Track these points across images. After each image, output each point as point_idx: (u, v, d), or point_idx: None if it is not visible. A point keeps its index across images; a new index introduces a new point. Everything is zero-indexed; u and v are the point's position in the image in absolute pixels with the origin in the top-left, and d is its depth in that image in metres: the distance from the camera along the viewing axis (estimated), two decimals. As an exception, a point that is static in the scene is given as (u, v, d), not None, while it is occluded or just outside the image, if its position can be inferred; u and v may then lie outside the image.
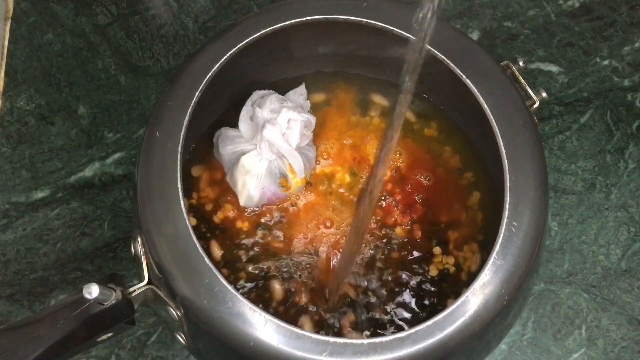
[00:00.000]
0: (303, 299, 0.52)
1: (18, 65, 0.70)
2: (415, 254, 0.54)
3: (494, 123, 0.48)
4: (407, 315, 0.52)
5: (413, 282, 0.53)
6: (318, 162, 0.57)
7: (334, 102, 0.59)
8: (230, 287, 0.43)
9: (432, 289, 0.53)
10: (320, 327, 0.52)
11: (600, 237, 0.65)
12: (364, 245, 0.54)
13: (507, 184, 0.46)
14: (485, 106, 0.49)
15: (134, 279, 0.47)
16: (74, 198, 0.65)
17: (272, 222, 0.55)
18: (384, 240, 0.54)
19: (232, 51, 0.49)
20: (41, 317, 0.42)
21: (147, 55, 0.71)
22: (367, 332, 0.51)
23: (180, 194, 0.45)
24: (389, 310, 0.52)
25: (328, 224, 0.55)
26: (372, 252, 0.54)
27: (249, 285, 0.53)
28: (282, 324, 0.42)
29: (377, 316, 0.52)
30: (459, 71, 0.50)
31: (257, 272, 0.53)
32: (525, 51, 0.72)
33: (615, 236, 0.65)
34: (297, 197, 0.55)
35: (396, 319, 0.52)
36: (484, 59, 0.51)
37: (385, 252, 0.54)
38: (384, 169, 0.45)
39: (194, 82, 0.48)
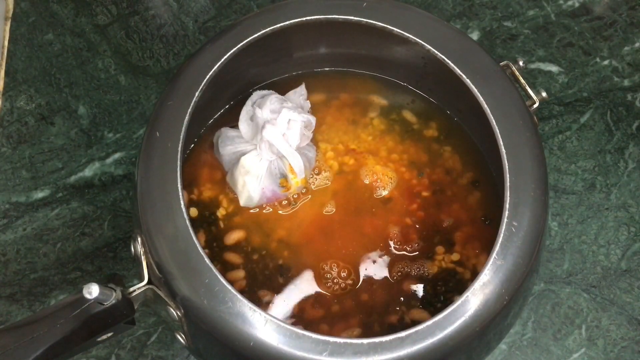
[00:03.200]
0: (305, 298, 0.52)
1: (18, 65, 0.70)
2: (418, 253, 0.54)
3: (494, 123, 0.48)
4: (413, 315, 0.52)
5: (414, 282, 0.53)
6: (317, 163, 0.57)
7: (334, 102, 0.59)
8: (230, 287, 0.43)
9: (435, 288, 0.53)
10: (328, 324, 0.52)
11: (600, 237, 0.65)
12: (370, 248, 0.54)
13: (507, 184, 0.46)
14: (485, 106, 0.49)
15: (134, 279, 0.47)
16: (74, 198, 0.65)
17: (272, 222, 0.55)
18: (386, 243, 0.54)
19: (232, 51, 0.49)
20: (41, 317, 0.42)
21: (147, 55, 0.71)
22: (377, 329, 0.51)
23: (180, 193, 0.45)
24: (394, 311, 0.52)
25: (326, 225, 0.55)
26: (373, 253, 0.54)
27: (248, 284, 0.53)
28: (282, 324, 0.42)
29: (385, 317, 0.52)
30: (459, 71, 0.50)
31: (256, 271, 0.53)
32: (525, 51, 0.72)
33: (615, 236, 0.65)
34: (296, 198, 0.55)
35: (405, 318, 0.52)
36: (484, 59, 0.51)
37: (388, 253, 0.54)
38: None
39: (194, 82, 0.48)
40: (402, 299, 0.53)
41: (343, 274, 0.53)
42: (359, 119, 0.58)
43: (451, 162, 0.57)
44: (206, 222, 0.54)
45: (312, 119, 0.55)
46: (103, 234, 0.64)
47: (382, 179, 0.56)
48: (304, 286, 0.53)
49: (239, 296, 0.43)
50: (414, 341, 0.42)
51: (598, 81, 0.71)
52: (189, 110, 0.48)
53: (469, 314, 0.43)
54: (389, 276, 0.53)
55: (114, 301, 0.43)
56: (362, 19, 0.51)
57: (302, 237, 0.54)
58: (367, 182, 0.56)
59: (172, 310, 0.45)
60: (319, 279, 0.53)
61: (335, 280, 0.53)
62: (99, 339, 0.45)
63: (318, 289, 0.53)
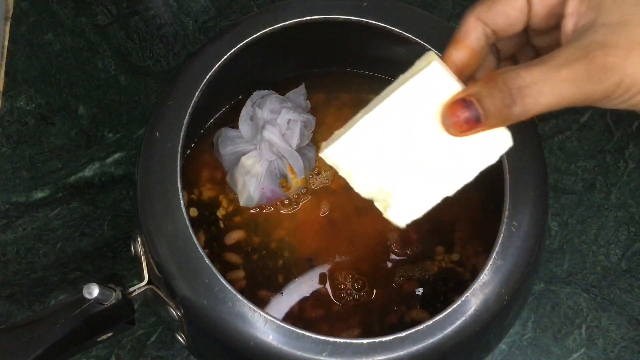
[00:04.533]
0: (303, 298, 0.52)
1: (18, 65, 0.70)
2: (417, 253, 0.54)
3: (494, 123, 0.48)
4: (413, 315, 0.52)
5: (415, 283, 0.53)
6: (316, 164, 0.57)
7: (334, 102, 0.59)
8: (230, 287, 0.43)
9: (435, 288, 0.53)
10: (329, 326, 0.52)
11: (600, 237, 0.65)
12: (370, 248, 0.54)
13: (507, 184, 0.46)
14: (485, 106, 0.49)
15: (134, 279, 0.47)
16: (74, 198, 0.65)
17: (272, 222, 0.55)
18: (386, 243, 0.54)
19: (232, 51, 0.49)
20: (41, 317, 0.42)
21: (147, 55, 0.71)
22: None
23: (180, 193, 0.45)
24: (394, 311, 0.52)
25: (326, 224, 0.55)
26: (373, 254, 0.54)
27: (246, 283, 0.53)
28: (282, 324, 0.42)
29: (385, 317, 0.52)
30: (459, 71, 0.49)
31: (256, 271, 0.53)
32: (525, 51, 0.72)
33: (615, 236, 0.65)
34: (297, 198, 0.55)
35: (405, 318, 0.52)
36: (484, 59, 0.51)
37: (388, 255, 0.54)
38: None
39: (194, 82, 0.48)
40: (402, 299, 0.53)
41: (357, 285, 0.53)
42: (359, 119, 0.58)
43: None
44: (206, 222, 0.54)
45: (312, 119, 0.55)
46: (103, 234, 0.64)
47: (382, 179, 0.56)
48: (304, 286, 0.53)
49: (239, 296, 0.43)
50: (414, 341, 0.42)
51: (598, 81, 0.71)
52: (189, 110, 0.48)
53: (469, 314, 0.43)
54: (391, 279, 0.53)
55: (114, 301, 0.43)
56: (362, 19, 0.51)
57: (303, 237, 0.54)
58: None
59: (172, 310, 0.45)
60: (334, 289, 0.53)
61: (349, 292, 0.53)
62: (99, 339, 0.45)
63: (317, 288, 0.53)
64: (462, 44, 0.33)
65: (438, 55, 0.34)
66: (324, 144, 0.36)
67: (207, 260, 0.44)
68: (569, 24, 0.31)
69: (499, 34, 0.33)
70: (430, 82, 0.30)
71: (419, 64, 0.33)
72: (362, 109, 0.35)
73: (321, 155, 0.35)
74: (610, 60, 0.28)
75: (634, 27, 0.28)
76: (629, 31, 0.28)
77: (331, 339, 0.42)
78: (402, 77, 0.33)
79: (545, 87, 0.28)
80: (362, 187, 0.35)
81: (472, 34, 0.32)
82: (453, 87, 0.31)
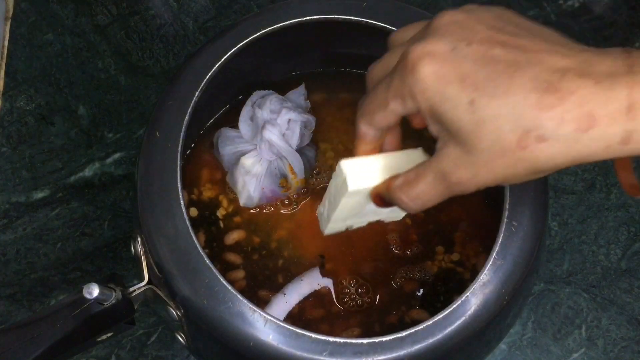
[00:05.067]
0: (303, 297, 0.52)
1: (18, 65, 0.70)
2: (417, 253, 0.54)
3: (494, 123, 0.48)
4: (413, 315, 0.52)
5: (415, 283, 0.53)
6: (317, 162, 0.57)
7: (334, 102, 0.59)
8: (230, 287, 0.43)
9: (435, 288, 0.53)
10: (330, 325, 0.52)
11: (600, 237, 0.65)
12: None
13: (507, 183, 0.46)
14: (485, 106, 0.48)
15: (134, 279, 0.47)
16: (74, 198, 0.65)
17: (272, 222, 0.55)
18: (387, 243, 0.54)
19: (232, 51, 0.49)
20: (41, 317, 0.42)
21: (147, 55, 0.71)
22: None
23: (180, 193, 0.45)
24: (394, 311, 0.52)
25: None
26: (374, 254, 0.54)
27: (246, 283, 0.53)
28: (282, 324, 0.42)
29: (385, 317, 0.52)
30: (459, 71, 0.49)
31: (256, 271, 0.53)
32: (525, 51, 0.72)
33: (615, 236, 0.65)
34: (297, 198, 0.55)
35: (405, 318, 0.52)
36: (484, 59, 0.51)
37: (388, 255, 0.54)
38: None
39: (194, 82, 0.48)
40: (402, 299, 0.53)
41: (361, 291, 0.53)
42: (359, 119, 0.58)
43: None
44: (206, 222, 0.54)
45: (312, 119, 0.55)
46: (103, 234, 0.64)
47: (382, 179, 0.56)
48: (305, 286, 0.53)
49: (239, 296, 0.43)
50: (414, 341, 0.42)
51: (598, 81, 0.71)
52: (189, 110, 0.48)
53: (469, 314, 0.43)
54: (392, 280, 0.53)
55: (114, 301, 0.43)
56: (362, 19, 0.51)
57: (303, 237, 0.54)
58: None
59: (172, 310, 0.45)
60: (337, 293, 0.53)
61: (352, 297, 0.53)
62: (99, 339, 0.45)
63: (317, 288, 0.53)
64: (364, 143, 0.39)
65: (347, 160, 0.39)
66: (320, 225, 0.44)
67: (207, 260, 0.44)
68: (432, 131, 0.37)
69: (390, 126, 0.39)
70: (354, 194, 0.38)
71: (340, 173, 0.38)
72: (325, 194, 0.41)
73: (322, 231, 0.44)
74: (464, 180, 0.34)
75: (477, 156, 0.33)
76: (473, 161, 0.33)
77: (331, 339, 0.42)
78: (334, 181, 0.39)
79: (426, 199, 0.36)
80: (358, 226, 0.43)
81: (368, 135, 0.38)
82: (369, 187, 0.38)
